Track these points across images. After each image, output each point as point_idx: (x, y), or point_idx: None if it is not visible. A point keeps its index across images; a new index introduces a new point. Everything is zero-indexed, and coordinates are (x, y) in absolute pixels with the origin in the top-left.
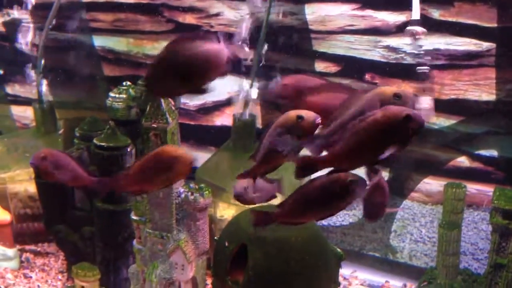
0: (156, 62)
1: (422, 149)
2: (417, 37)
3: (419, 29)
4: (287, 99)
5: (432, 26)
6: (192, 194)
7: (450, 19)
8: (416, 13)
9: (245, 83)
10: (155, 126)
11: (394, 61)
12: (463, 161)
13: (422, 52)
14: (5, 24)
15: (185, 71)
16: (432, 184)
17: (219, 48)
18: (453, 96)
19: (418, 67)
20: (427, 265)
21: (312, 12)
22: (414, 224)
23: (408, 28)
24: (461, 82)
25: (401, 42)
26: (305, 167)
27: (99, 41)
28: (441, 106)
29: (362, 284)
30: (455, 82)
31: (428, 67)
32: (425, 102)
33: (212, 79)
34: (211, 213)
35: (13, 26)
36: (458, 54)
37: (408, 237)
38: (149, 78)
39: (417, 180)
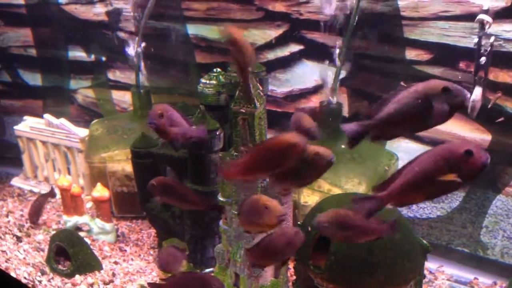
0: None
1: None
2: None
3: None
4: None
5: None
6: None
7: None
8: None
9: (333, 71)
10: (243, 110)
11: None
12: None
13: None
14: (108, 13)
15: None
16: None
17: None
18: None
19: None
20: None
21: None
22: (508, 221)
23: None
24: None
25: (500, 28)
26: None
27: (192, 29)
28: None
29: (448, 279)
30: None
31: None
32: (476, 93)
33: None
34: (295, 199)
35: (115, 15)
36: None
37: (501, 234)
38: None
39: None
